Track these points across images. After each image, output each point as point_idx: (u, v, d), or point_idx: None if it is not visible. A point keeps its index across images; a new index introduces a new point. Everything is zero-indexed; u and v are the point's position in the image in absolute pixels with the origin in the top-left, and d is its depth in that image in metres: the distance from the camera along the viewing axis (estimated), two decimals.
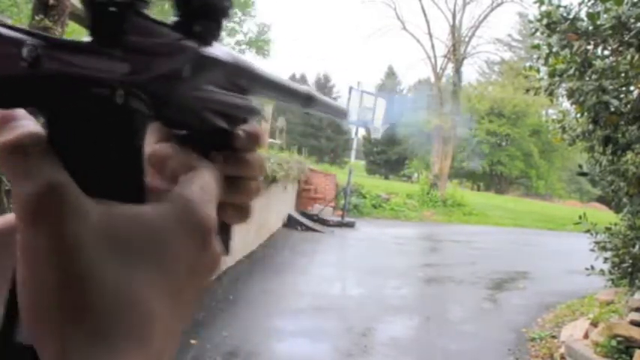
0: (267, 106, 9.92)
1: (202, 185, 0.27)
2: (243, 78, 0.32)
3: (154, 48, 0.25)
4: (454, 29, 20.17)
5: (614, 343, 3.94)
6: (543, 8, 3.67)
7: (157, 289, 0.24)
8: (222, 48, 0.29)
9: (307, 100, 0.39)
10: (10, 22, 3.97)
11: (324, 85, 46.68)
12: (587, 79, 3.57)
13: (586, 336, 4.38)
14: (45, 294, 0.21)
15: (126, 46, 0.24)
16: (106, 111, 0.23)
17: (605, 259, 4.27)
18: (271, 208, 8.66)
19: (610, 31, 3.31)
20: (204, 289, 0.28)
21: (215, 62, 0.29)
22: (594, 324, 4.53)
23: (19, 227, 0.22)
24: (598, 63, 3.53)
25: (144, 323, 0.23)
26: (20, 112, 0.23)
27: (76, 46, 0.23)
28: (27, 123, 0.23)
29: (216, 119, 0.30)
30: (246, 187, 0.32)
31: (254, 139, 0.32)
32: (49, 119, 0.23)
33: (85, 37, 0.24)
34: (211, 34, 0.28)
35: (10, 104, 0.22)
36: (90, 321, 0.22)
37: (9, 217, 0.30)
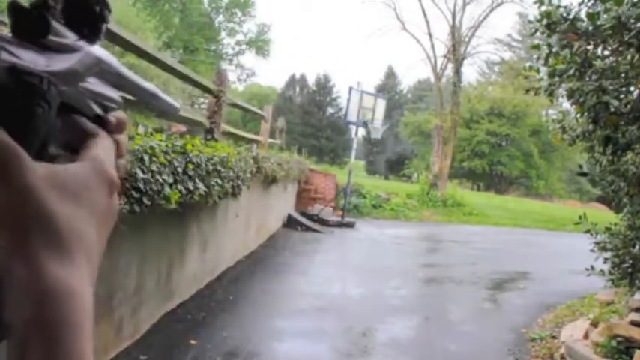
0: (267, 106, 9.91)
1: (104, 148, 0.35)
2: (111, 74, 0.39)
3: (61, 46, 0.32)
4: (454, 29, 20.16)
5: (614, 343, 3.94)
6: (543, 8, 3.67)
7: (89, 224, 0.32)
8: (99, 48, 0.36)
9: (153, 96, 0.46)
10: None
11: (324, 85, 46.63)
12: (587, 79, 3.57)
13: (586, 336, 4.38)
14: (16, 223, 0.28)
15: (43, 44, 0.31)
16: (35, 95, 0.29)
17: (605, 260, 4.27)
18: (271, 209, 8.66)
19: (610, 32, 3.31)
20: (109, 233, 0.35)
21: (97, 60, 0.36)
22: (594, 324, 4.53)
23: None
24: (598, 63, 3.53)
25: (88, 246, 0.31)
26: None
27: (16, 42, 0.29)
28: None
29: (95, 106, 0.37)
30: (116, 165, 0.39)
31: (121, 124, 0.39)
32: None
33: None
34: (96, 36, 0.36)
35: None
36: (52, 238, 0.29)
37: None
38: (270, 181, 7.72)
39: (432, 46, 20.59)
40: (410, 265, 8.08)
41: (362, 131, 14.90)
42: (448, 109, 20.07)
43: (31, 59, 0.29)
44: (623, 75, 3.52)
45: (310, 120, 43.92)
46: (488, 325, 5.33)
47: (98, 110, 0.37)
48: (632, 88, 3.64)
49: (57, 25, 0.32)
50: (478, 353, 4.48)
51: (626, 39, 3.29)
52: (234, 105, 7.56)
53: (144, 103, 0.47)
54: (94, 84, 0.37)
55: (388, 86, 45.04)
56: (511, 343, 4.72)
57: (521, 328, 5.17)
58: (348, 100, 12.91)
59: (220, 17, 31.13)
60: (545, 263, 9.49)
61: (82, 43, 0.34)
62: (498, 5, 20.52)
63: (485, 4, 21.71)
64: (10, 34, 0.30)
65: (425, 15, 20.51)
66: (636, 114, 3.46)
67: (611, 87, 3.48)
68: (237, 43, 32.12)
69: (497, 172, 36.49)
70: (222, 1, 30.12)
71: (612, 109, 3.51)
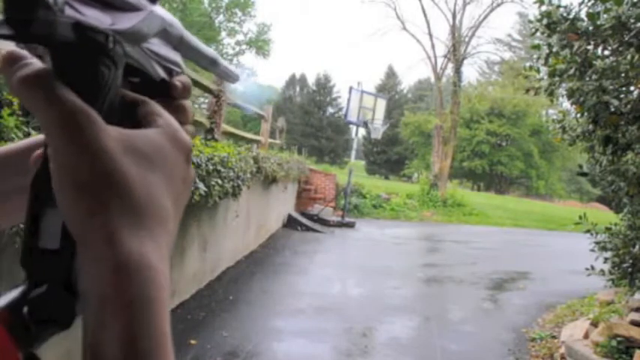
0: (267, 106, 9.91)
1: (171, 117, 0.33)
2: (174, 36, 0.36)
3: (124, 4, 0.30)
4: (454, 29, 20.16)
5: (614, 343, 3.94)
6: (543, 8, 3.67)
7: (165, 190, 0.30)
8: (161, 8, 0.34)
9: (213, 62, 0.44)
10: None
11: (324, 85, 46.64)
12: (587, 79, 3.57)
13: (586, 336, 4.38)
14: (91, 189, 0.26)
15: (106, 2, 0.29)
16: (100, 53, 0.28)
17: (605, 260, 4.26)
18: (271, 209, 8.66)
19: (610, 31, 3.31)
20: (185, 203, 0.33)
21: (161, 21, 0.34)
22: (594, 324, 4.53)
23: (53, 143, 0.27)
24: (598, 63, 3.52)
25: (164, 213, 0.29)
26: (25, 52, 0.28)
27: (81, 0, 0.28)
28: (35, 61, 0.28)
29: (159, 69, 0.35)
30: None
31: (187, 89, 0.37)
32: (54, 58, 0.28)
33: None
34: None
35: (33, 41, 0.26)
36: (129, 208, 0.27)
37: (19, 144, 0.41)
38: (270, 181, 7.72)
39: (432, 46, 20.62)
40: (410, 265, 8.08)
41: (362, 131, 14.90)
42: (448, 109, 20.07)
43: (95, 16, 0.28)
44: (623, 75, 3.52)
45: (310, 120, 43.93)
46: (488, 325, 5.33)
47: (162, 74, 0.36)
48: (632, 88, 3.63)
49: None
50: (478, 353, 4.48)
51: (626, 39, 3.29)
52: (235, 105, 7.56)
53: (203, 68, 0.45)
54: (157, 45, 0.35)
55: (388, 86, 45.02)
56: (511, 343, 4.72)
57: (522, 328, 5.17)
58: (348, 100, 12.91)
59: (220, 17, 31.14)
60: (546, 263, 9.48)
61: (144, 2, 0.32)
62: (498, 5, 20.54)
63: (485, 4, 21.78)
64: None
65: (425, 15, 20.55)
66: (636, 114, 3.46)
67: (611, 87, 3.48)
68: (237, 43, 32.12)
69: (498, 172, 36.48)
70: (222, 1, 30.13)
71: (612, 109, 3.51)
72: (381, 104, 13.50)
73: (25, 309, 0.27)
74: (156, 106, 0.33)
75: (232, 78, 0.50)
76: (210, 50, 0.42)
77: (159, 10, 0.33)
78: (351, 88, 12.95)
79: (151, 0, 0.33)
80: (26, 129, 2.22)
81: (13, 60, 0.28)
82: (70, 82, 0.27)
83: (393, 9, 30.13)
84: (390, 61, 56.90)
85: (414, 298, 6.22)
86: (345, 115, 13.45)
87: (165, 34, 0.35)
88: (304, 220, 10.54)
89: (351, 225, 11.46)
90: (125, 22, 0.29)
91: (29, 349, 0.27)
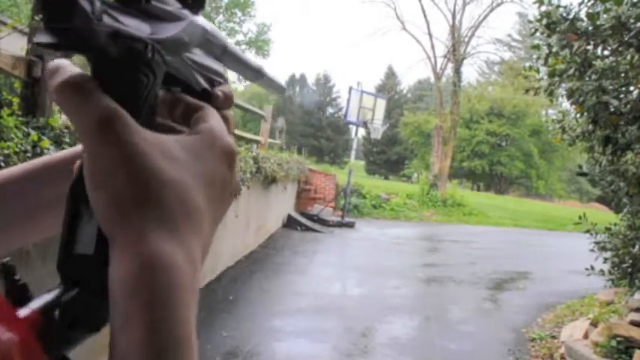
0: (267, 106, 9.90)
1: (218, 120, 0.34)
2: (217, 46, 0.37)
3: (164, 13, 0.30)
4: (454, 29, 20.17)
5: (613, 343, 3.94)
6: (543, 8, 3.67)
7: (202, 193, 0.30)
8: (203, 19, 0.34)
9: (257, 74, 0.44)
10: (10, 21, 3.97)
11: (324, 85, 46.64)
12: (587, 79, 3.57)
13: (586, 336, 4.38)
14: (123, 191, 0.27)
15: (147, 10, 0.29)
16: (139, 62, 0.28)
17: (605, 260, 4.26)
18: (271, 209, 8.66)
19: (610, 32, 3.31)
20: (228, 208, 0.33)
21: (203, 31, 0.34)
22: (594, 324, 4.53)
23: (87, 146, 0.28)
24: (598, 63, 3.52)
25: (197, 216, 0.29)
26: (68, 62, 0.29)
27: (119, 7, 0.28)
28: (74, 68, 0.29)
29: (201, 80, 0.36)
30: None
31: (229, 99, 0.38)
32: (93, 65, 0.28)
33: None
34: (200, 4, 0.34)
35: (72, 49, 0.26)
36: (160, 210, 0.27)
37: (64, 152, 0.42)
38: (270, 181, 7.72)
39: (432, 46, 20.64)
40: (410, 265, 8.08)
41: (362, 131, 14.90)
42: (448, 109, 20.08)
43: (134, 25, 0.28)
44: (623, 75, 3.52)
45: (310, 120, 43.94)
46: (488, 325, 5.33)
47: (204, 84, 0.36)
48: (632, 88, 3.63)
49: None
50: (478, 353, 4.48)
51: (626, 39, 3.29)
52: (234, 105, 7.56)
53: (249, 80, 0.44)
54: (199, 56, 0.35)
55: (388, 86, 45.04)
56: (511, 343, 4.72)
57: (522, 328, 5.17)
58: (348, 100, 12.91)
59: (220, 17, 31.15)
60: (545, 263, 9.49)
61: (186, 12, 0.32)
62: (498, 5, 20.56)
63: (485, 4, 21.78)
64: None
65: (425, 15, 20.60)
66: (636, 114, 3.46)
67: (611, 87, 3.48)
68: (237, 43, 32.13)
69: (497, 172, 36.47)
70: (222, 1, 30.13)
71: (612, 109, 3.51)
72: (381, 104, 13.50)
73: (57, 312, 0.28)
74: (206, 112, 0.34)
75: (277, 89, 0.50)
76: (254, 61, 0.42)
77: (200, 20, 0.33)
78: (350, 88, 12.95)
79: (193, 10, 0.33)
80: (26, 129, 2.22)
81: (56, 70, 0.29)
82: (109, 90, 0.28)
83: (392, 9, 30.19)
84: (389, 61, 57.12)
85: (414, 298, 6.22)
86: (345, 115, 13.45)
87: (208, 45, 0.35)
88: (304, 220, 10.54)
89: (350, 225, 11.46)
90: (165, 31, 0.30)
91: (60, 351, 0.28)
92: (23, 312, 0.28)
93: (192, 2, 0.33)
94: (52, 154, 0.44)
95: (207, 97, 0.36)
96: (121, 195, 0.27)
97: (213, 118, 0.33)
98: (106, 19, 0.26)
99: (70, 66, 0.29)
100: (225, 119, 0.36)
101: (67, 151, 0.43)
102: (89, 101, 0.27)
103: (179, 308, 0.27)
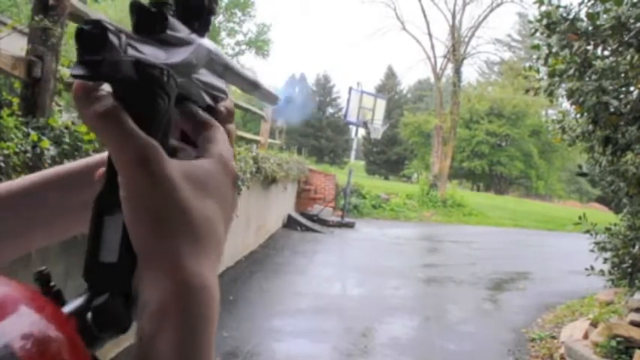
0: (267, 107, 9.91)
1: (225, 142, 0.37)
2: (219, 65, 0.40)
3: (177, 40, 0.34)
4: (454, 29, 20.16)
5: (613, 343, 3.94)
6: (543, 8, 3.67)
7: (219, 215, 0.33)
8: (208, 40, 0.38)
9: (254, 86, 0.47)
10: (10, 21, 3.98)
11: (324, 85, 46.64)
12: (587, 79, 3.57)
13: (586, 336, 4.38)
14: (158, 216, 0.30)
15: (161, 39, 0.33)
16: (156, 87, 0.31)
17: (605, 260, 4.26)
18: (271, 209, 8.66)
19: (610, 32, 3.30)
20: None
21: (208, 52, 0.37)
22: (594, 324, 4.53)
23: (126, 176, 0.30)
24: (598, 63, 3.52)
25: (218, 237, 0.33)
26: (92, 84, 0.31)
27: (139, 38, 0.31)
28: (104, 94, 0.31)
29: (206, 97, 0.39)
30: None
31: (231, 114, 0.41)
32: (116, 92, 0.31)
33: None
34: (205, 28, 0.37)
35: (102, 79, 0.29)
36: (192, 233, 0.31)
37: (86, 160, 0.46)
38: (269, 181, 7.72)
39: (432, 46, 20.62)
40: (410, 266, 8.08)
41: (362, 131, 14.90)
42: (448, 109, 20.07)
43: (152, 53, 0.31)
44: (623, 75, 3.52)
45: (310, 120, 43.93)
46: (488, 325, 5.33)
47: (209, 100, 0.39)
48: (632, 88, 3.63)
49: (172, 20, 0.34)
50: (478, 353, 4.48)
51: (626, 39, 3.29)
52: (235, 105, 7.56)
53: (246, 92, 0.48)
54: (204, 75, 0.38)
55: (388, 86, 45.03)
56: (511, 344, 4.72)
57: (521, 329, 5.17)
58: (348, 100, 12.91)
59: (220, 17, 31.14)
60: (545, 263, 9.49)
61: (194, 36, 0.36)
62: (498, 5, 20.55)
63: (485, 4, 21.78)
64: (132, 31, 0.32)
65: (425, 15, 20.55)
66: (636, 114, 3.46)
67: (611, 87, 3.48)
68: (237, 43, 32.14)
69: (497, 172, 36.47)
70: (222, 1, 30.12)
71: (612, 109, 3.51)
72: (381, 104, 13.50)
73: (89, 315, 0.31)
74: (217, 133, 0.37)
75: (272, 100, 0.53)
76: (251, 75, 0.46)
77: (206, 42, 0.37)
78: (350, 89, 12.94)
79: (200, 33, 0.36)
80: (26, 129, 2.22)
81: (84, 92, 0.31)
82: (131, 113, 0.31)
83: (392, 9, 30.16)
84: (389, 62, 57.12)
85: (414, 298, 6.22)
86: (345, 116, 13.44)
87: (212, 64, 0.38)
88: (304, 221, 10.54)
89: (350, 225, 11.46)
90: (177, 56, 0.33)
91: (91, 351, 0.31)
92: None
93: (198, 27, 0.36)
94: (67, 164, 0.47)
95: (211, 112, 0.39)
96: (158, 219, 0.30)
97: (221, 141, 0.36)
98: (130, 51, 0.29)
99: (98, 90, 0.31)
100: (228, 133, 0.39)
101: (80, 162, 0.46)
102: (127, 133, 0.30)
103: (211, 330, 0.30)
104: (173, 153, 0.34)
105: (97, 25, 0.28)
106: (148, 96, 0.31)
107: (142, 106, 0.31)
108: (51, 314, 0.29)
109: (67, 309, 0.31)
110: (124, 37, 0.29)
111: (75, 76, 0.28)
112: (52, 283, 0.31)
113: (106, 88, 0.31)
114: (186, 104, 0.38)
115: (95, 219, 0.32)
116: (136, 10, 0.32)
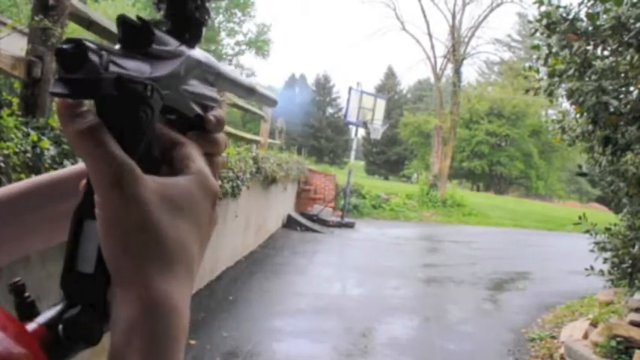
0: (267, 107, 9.90)
1: (202, 159, 0.36)
2: (211, 74, 0.40)
3: (164, 53, 0.34)
4: (454, 30, 20.16)
5: (613, 343, 3.94)
6: (543, 9, 3.67)
7: (194, 235, 0.33)
8: (199, 50, 0.38)
9: (249, 91, 0.47)
10: (9, 22, 3.97)
11: (323, 85, 46.64)
12: (587, 79, 3.57)
13: (586, 336, 4.38)
14: (130, 237, 0.30)
15: (147, 53, 0.33)
16: (139, 101, 0.31)
17: (605, 260, 4.26)
18: (271, 209, 8.66)
19: (610, 32, 3.30)
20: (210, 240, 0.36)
21: (198, 63, 0.37)
22: (594, 324, 4.53)
23: (100, 195, 0.30)
24: (598, 63, 3.52)
25: (190, 260, 0.33)
26: (81, 104, 0.31)
27: (122, 54, 0.31)
28: (90, 113, 0.31)
29: (195, 106, 0.39)
30: (214, 162, 0.39)
31: (221, 123, 0.40)
32: (98, 108, 0.31)
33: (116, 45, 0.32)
34: (196, 39, 0.37)
35: (82, 96, 0.29)
36: (162, 254, 0.31)
37: (73, 168, 0.46)
38: (269, 181, 7.72)
39: (432, 47, 20.61)
40: (410, 266, 8.08)
41: (361, 131, 14.89)
42: (448, 110, 20.06)
43: (136, 68, 0.31)
44: (622, 75, 3.52)
45: (310, 120, 43.92)
46: (488, 325, 5.33)
47: (198, 110, 0.39)
48: (631, 88, 3.63)
49: (160, 34, 0.34)
50: (478, 353, 4.48)
51: (625, 39, 3.29)
52: (234, 105, 7.55)
53: (242, 98, 0.47)
54: (194, 85, 0.38)
55: (388, 86, 45.01)
56: (511, 344, 4.72)
57: (521, 329, 5.17)
58: (348, 100, 12.91)
59: (220, 17, 31.13)
60: (545, 263, 9.49)
61: (183, 48, 0.36)
62: (498, 5, 20.54)
63: (485, 4, 21.79)
64: (117, 46, 0.33)
65: (425, 15, 20.55)
66: (636, 114, 3.46)
67: (610, 87, 3.48)
68: (237, 43, 32.13)
69: (497, 172, 36.46)
70: (222, 1, 30.13)
71: (612, 109, 3.51)
72: (381, 104, 13.49)
73: (60, 327, 0.31)
74: (191, 150, 0.36)
75: (270, 103, 0.53)
76: (246, 80, 0.46)
77: (197, 53, 0.37)
78: (350, 89, 12.94)
79: (190, 44, 0.37)
80: (26, 129, 2.22)
81: (66, 109, 0.31)
82: (112, 128, 0.31)
83: (392, 9, 30.17)
84: (389, 62, 57.14)
85: (414, 298, 6.22)
86: (345, 116, 13.44)
87: (202, 74, 0.39)
88: (304, 221, 10.54)
89: (350, 225, 11.46)
90: (163, 69, 0.33)
91: None
92: (31, 326, 0.31)
93: (189, 38, 0.37)
94: (55, 172, 0.47)
95: (201, 121, 0.39)
96: (128, 239, 0.30)
97: (198, 158, 0.36)
98: (112, 67, 0.29)
99: (82, 107, 0.31)
100: (217, 141, 0.39)
101: (69, 169, 0.47)
102: (104, 152, 0.30)
103: (175, 349, 0.30)
104: (157, 164, 0.34)
105: (77, 43, 0.28)
106: (130, 111, 0.31)
107: (123, 121, 0.31)
108: (14, 332, 0.29)
109: (39, 320, 0.31)
110: (105, 55, 0.29)
111: (54, 94, 0.29)
112: (26, 294, 0.32)
113: (90, 103, 0.32)
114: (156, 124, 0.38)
115: (74, 228, 0.32)
116: (121, 24, 0.33)
